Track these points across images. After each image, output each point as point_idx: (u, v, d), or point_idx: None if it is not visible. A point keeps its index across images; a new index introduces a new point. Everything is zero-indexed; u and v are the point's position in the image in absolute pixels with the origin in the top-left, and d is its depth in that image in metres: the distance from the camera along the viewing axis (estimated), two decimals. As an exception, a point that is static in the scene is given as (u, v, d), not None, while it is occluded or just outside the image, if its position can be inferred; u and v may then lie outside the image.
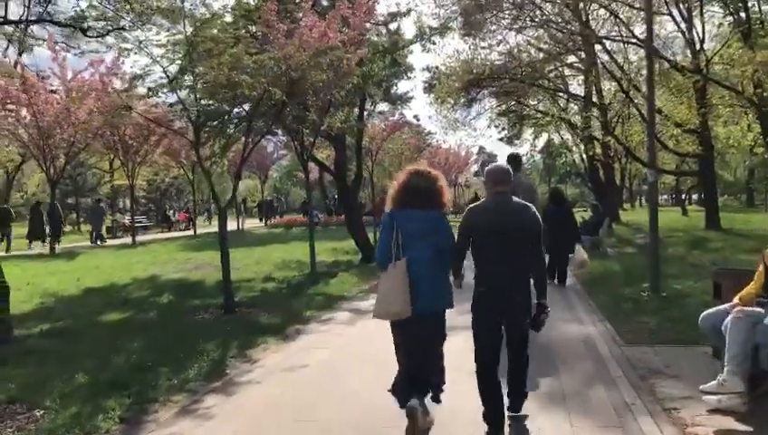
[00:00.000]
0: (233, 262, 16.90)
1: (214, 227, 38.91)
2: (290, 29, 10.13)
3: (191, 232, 30.93)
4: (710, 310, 5.14)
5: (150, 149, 24.76)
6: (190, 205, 37.78)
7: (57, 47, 19.34)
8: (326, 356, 6.79)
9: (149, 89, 8.93)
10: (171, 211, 36.92)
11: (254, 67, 8.78)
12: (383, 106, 24.37)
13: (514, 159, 8.98)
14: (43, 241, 23.35)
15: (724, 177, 45.38)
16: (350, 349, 7.07)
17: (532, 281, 4.37)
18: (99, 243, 25.26)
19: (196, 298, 10.50)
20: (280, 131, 12.48)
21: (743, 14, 19.76)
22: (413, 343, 4.34)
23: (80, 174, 35.25)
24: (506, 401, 4.38)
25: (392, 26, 16.53)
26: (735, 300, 5.01)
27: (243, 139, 10.26)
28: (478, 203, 4.59)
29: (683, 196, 43.40)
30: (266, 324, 8.24)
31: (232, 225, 38.36)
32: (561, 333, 7.40)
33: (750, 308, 4.73)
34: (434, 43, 16.60)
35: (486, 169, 4.55)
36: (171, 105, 10.86)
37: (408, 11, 16.26)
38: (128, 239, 26.16)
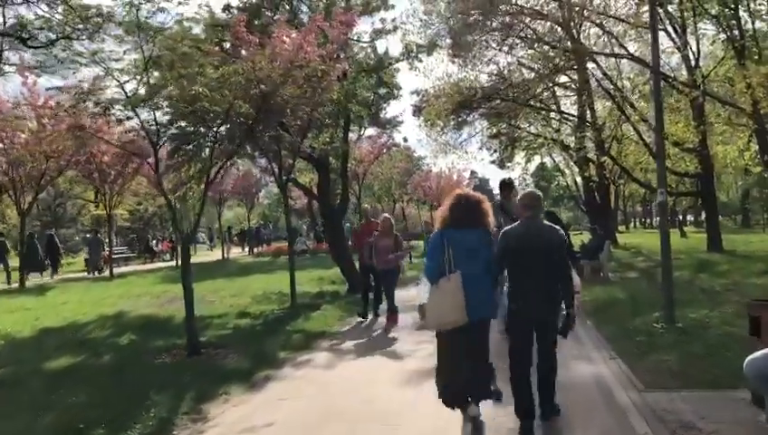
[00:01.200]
0: (209, 294, 16.00)
1: (200, 257, 37.79)
2: (262, 42, 9.30)
3: (174, 262, 29.77)
4: (758, 354, 4.20)
5: (129, 176, 23.80)
6: (176, 234, 36.66)
7: (27, 73, 18.41)
8: (296, 411, 5.77)
9: (99, 105, 7.97)
10: (154, 241, 35.68)
11: (219, 80, 7.90)
12: (372, 130, 23.54)
13: (508, 185, 8.83)
14: (41, 271, 22.94)
15: (719, 197, 44.76)
16: (324, 401, 6.03)
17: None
18: (97, 274, 24.58)
19: (161, 338, 9.44)
20: (257, 154, 11.52)
21: (736, 32, 19.17)
22: (463, 352, 4.81)
23: (59, 204, 34.11)
24: (538, 411, 4.85)
25: (378, 44, 15.77)
26: (789, 340, 4.10)
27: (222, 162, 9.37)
28: (513, 226, 5.06)
29: (680, 217, 42.67)
30: (232, 369, 7.22)
31: (217, 254, 37.36)
32: (570, 373, 6.42)
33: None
34: (420, 61, 15.83)
35: (518, 196, 5.23)
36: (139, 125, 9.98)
37: (395, 28, 15.46)
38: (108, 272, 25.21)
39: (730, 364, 6.14)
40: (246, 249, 38.22)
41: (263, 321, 10.95)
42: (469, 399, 4.86)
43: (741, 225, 47.19)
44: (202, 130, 8.88)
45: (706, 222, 23.63)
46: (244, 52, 9.33)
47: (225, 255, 34.99)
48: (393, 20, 15.82)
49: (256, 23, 12.86)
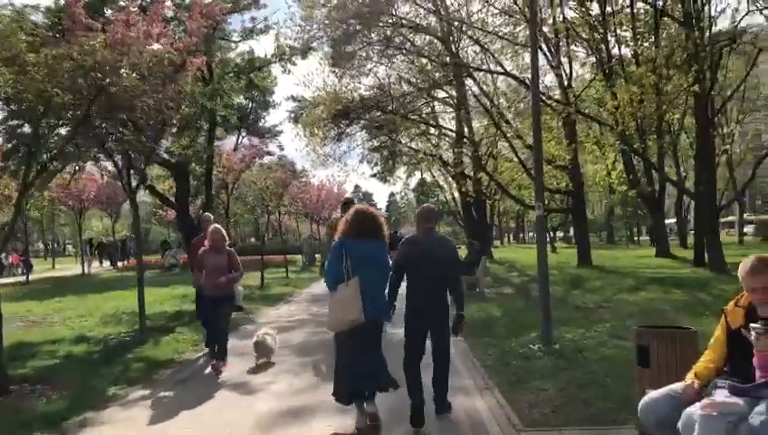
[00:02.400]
0: (51, 315, 14.12)
1: (57, 271, 34.50)
2: (106, 29, 8.01)
3: (25, 278, 26.79)
4: (653, 394, 3.57)
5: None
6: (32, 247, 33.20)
7: None
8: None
9: None
10: (3, 254, 32.09)
11: (39, 65, 6.56)
12: (254, 140, 22.25)
13: (349, 203, 8.91)
14: None
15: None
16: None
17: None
18: None
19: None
20: (97, 154, 10.05)
21: (605, 55, 19.82)
22: (361, 348, 5.17)
23: None
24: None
25: (250, 46, 14.64)
26: (689, 377, 3.51)
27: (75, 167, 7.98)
28: (411, 235, 5.79)
29: (550, 233, 44.32)
30: (42, 413, 5.85)
31: (76, 268, 34.21)
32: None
33: (724, 399, 3.21)
34: (294, 64, 14.92)
35: (417, 210, 5.84)
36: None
37: (267, 27, 14.46)
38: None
39: (612, 395, 5.66)
40: (106, 263, 35.37)
41: (102, 347, 9.48)
42: (366, 394, 5.22)
43: (606, 241, 49.83)
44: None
45: (576, 238, 24.28)
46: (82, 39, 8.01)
47: (86, 269, 32.13)
48: (265, 19, 14.79)
49: (106, 11, 11.45)
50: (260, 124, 40.49)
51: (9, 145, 10.57)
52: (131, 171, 10.25)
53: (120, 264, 35.28)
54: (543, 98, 19.72)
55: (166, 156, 11.55)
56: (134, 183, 10.07)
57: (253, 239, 33.60)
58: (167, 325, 11.51)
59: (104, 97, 7.20)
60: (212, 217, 9.53)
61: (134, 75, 7.36)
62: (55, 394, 6.61)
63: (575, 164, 20.91)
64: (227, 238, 7.93)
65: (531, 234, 69.41)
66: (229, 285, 7.93)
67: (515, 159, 22.21)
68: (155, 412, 6.06)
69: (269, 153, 17.35)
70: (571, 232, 44.30)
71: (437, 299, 5.34)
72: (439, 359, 5.45)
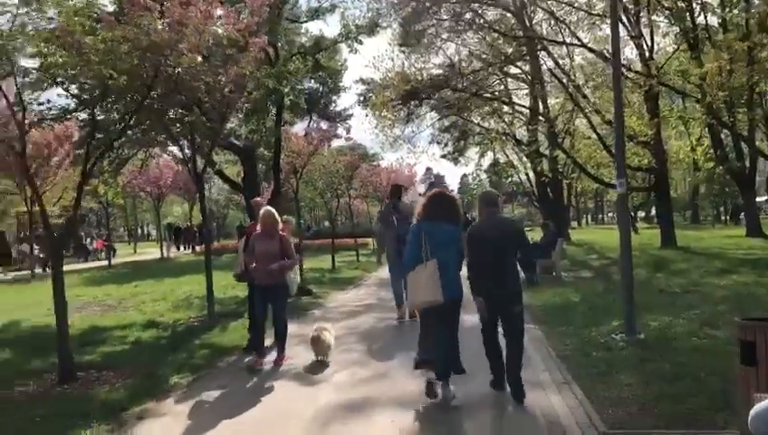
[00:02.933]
0: (127, 299, 14.42)
1: (138, 255, 35.71)
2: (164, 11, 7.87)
3: (107, 262, 27.83)
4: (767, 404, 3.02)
5: (52, 170, 21.93)
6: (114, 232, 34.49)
7: None
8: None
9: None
10: (89, 240, 33.51)
11: (94, 46, 6.45)
12: (320, 123, 22.08)
13: (399, 188, 10.67)
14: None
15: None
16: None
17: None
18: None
19: (41, 356, 7.91)
20: (164, 140, 10.02)
21: (689, 23, 18.51)
22: (439, 326, 5.43)
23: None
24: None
25: (315, 26, 14.33)
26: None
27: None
28: (475, 222, 5.86)
29: (631, 213, 42.45)
30: (102, 402, 5.79)
31: (156, 253, 35.27)
32: (515, 405, 5.25)
33: None
34: (361, 43, 14.52)
35: (479, 194, 6.62)
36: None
37: (333, 6, 14.15)
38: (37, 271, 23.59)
39: (706, 391, 5.07)
40: (183, 248, 36.26)
41: (170, 333, 9.51)
42: (441, 381, 5.40)
43: (690, 221, 47.39)
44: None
45: (660, 218, 23.00)
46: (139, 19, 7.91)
47: (166, 253, 33.15)
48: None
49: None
50: (330, 108, 40.57)
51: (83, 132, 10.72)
52: (197, 156, 10.19)
53: (198, 248, 36.19)
54: (624, 71, 18.66)
55: (234, 141, 11.43)
56: (200, 167, 9.99)
57: (326, 223, 33.56)
58: (237, 310, 11.46)
59: (162, 79, 7.05)
60: (263, 201, 9.26)
61: (194, 56, 7.16)
62: (119, 382, 6.55)
63: (658, 140, 19.71)
64: (279, 221, 7.31)
65: (610, 214, 66.98)
66: (281, 273, 7.20)
67: (593, 136, 21.15)
68: (213, 403, 5.89)
69: (336, 136, 17.07)
70: (653, 212, 42.32)
71: (505, 280, 5.36)
72: (512, 340, 5.47)
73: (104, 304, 13.24)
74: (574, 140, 24.09)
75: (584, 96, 20.56)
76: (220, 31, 8.51)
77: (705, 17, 19.50)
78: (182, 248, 35.95)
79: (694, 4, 18.24)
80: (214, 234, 41.95)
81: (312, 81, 48.43)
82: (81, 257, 28.50)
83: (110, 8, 10.25)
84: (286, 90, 12.76)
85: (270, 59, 12.96)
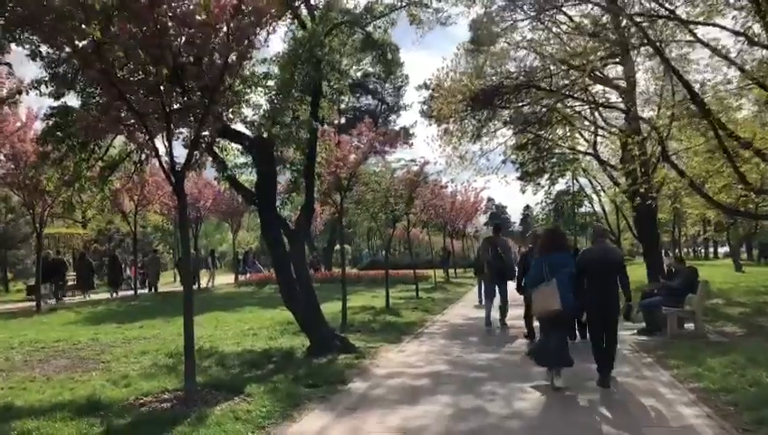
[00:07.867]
0: (120, 346, 10.98)
1: (178, 285, 32.41)
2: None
3: (133, 292, 24.82)
4: None
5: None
6: (146, 259, 31.67)
7: None
8: None
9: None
10: (124, 266, 30.68)
11: None
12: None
13: (498, 227, 14.92)
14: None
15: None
16: None
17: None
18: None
19: None
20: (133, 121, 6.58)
21: None
22: (554, 330, 7.35)
23: (9, 221, 29.04)
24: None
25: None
26: None
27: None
28: (590, 248, 8.07)
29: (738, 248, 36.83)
30: None
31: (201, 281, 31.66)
32: None
33: None
34: (427, 7, 10.98)
35: (592, 230, 10.31)
36: None
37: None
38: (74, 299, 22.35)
39: None
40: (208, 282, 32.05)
41: (105, 429, 5.93)
42: (553, 370, 7.26)
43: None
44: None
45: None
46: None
47: (211, 283, 29.84)
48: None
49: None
50: (389, 129, 37.13)
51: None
52: (172, 142, 6.67)
53: (241, 277, 32.93)
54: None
55: (242, 128, 7.99)
56: (179, 163, 6.48)
57: (383, 252, 29.86)
58: (232, 383, 7.90)
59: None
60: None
61: None
62: None
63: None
64: None
65: (720, 248, 61.76)
66: None
67: (712, 146, 16.80)
68: None
69: (398, 135, 13.70)
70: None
71: (609, 296, 7.24)
72: (609, 342, 7.31)
73: (73, 357, 9.71)
74: (682, 156, 19.72)
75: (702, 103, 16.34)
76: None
77: None
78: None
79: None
80: (259, 262, 38.61)
81: (370, 96, 45.31)
82: (113, 287, 25.39)
83: None
84: (326, 69, 9.32)
85: (303, 24, 9.55)
